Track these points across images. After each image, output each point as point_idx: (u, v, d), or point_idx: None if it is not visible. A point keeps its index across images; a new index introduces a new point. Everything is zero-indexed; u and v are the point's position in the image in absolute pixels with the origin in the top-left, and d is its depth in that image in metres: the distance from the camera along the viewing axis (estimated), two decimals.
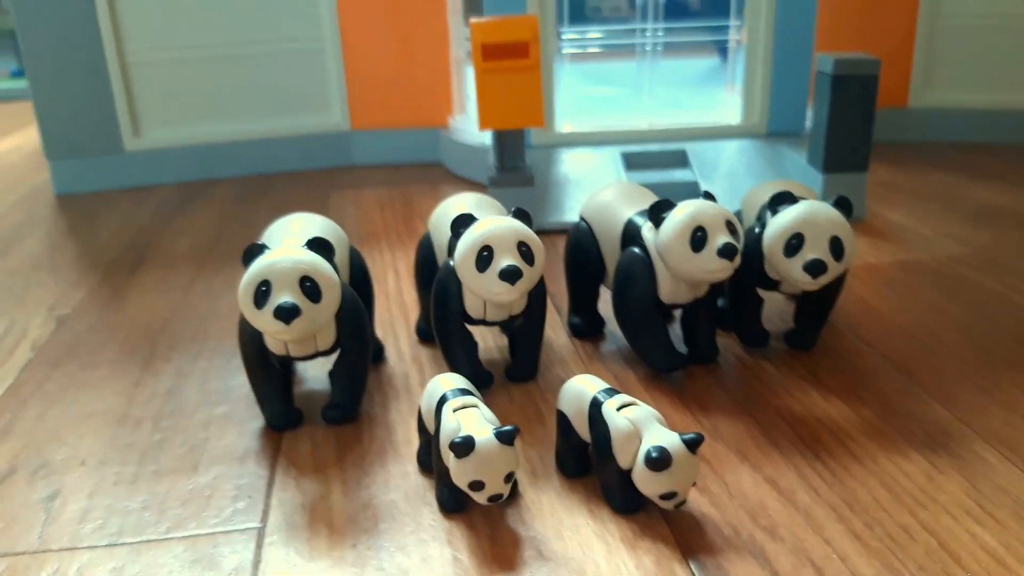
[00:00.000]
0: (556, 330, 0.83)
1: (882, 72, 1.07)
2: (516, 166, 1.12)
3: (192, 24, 1.42)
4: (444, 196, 1.35)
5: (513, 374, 0.73)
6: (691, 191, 1.17)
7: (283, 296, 0.60)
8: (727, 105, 1.40)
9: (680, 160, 1.26)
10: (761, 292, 0.76)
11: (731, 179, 1.20)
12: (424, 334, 0.82)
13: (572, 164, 1.26)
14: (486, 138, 1.35)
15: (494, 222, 0.67)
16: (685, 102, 1.43)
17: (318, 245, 0.64)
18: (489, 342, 0.81)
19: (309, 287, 0.61)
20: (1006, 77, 1.52)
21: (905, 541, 0.52)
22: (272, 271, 0.61)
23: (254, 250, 0.63)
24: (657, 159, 1.26)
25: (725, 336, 0.79)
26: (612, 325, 0.82)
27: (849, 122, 1.08)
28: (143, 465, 0.64)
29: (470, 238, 0.66)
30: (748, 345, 0.77)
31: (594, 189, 1.18)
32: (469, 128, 1.43)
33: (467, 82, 1.49)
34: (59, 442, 0.67)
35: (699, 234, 0.66)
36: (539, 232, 0.69)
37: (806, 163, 1.16)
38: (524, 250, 0.66)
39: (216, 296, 0.96)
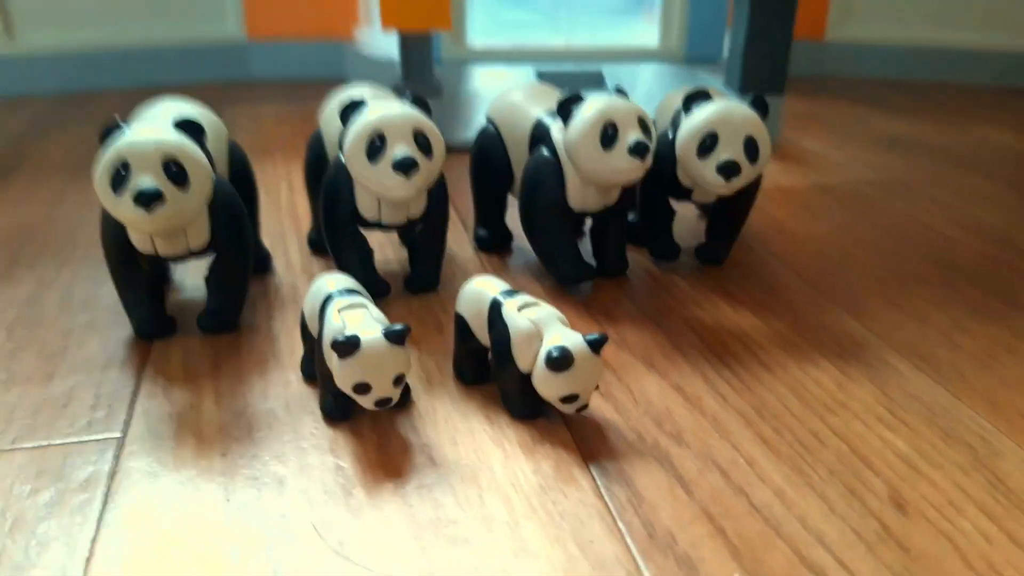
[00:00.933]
0: (461, 243, 0.78)
1: (800, 4, 1.05)
2: (423, 75, 1.06)
3: None
4: None
5: (412, 285, 0.68)
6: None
7: (144, 180, 0.53)
8: (645, 34, 1.36)
9: (596, 81, 1.21)
10: (673, 204, 0.73)
11: (647, 102, 1.17)
12: (316, 244, 0.76)
13: (484, 81, 1.20)
14: (395, 52, 1.27)
15: (387, 108, 0.61)
16: (603, 28, 1.38)
17: (186, 127, 0.57)
18: (388, 253, 0.76)
19: (175, 172, 0.54)
20: (922, 13, 1.53)
21: (815, 446, 0.50)
22: (132, 151, 0.54)
23: (112, 129, 0.56)
24: (572, 79, 1.21)
25: (635, 251, 0.76)
26: (520, 239, 0.78)
27: (767, 43, 1.05)
28: None
29: (361, 125, 0.60)
30: (658, 258, 0.74)
31: None
32: (377, 41, 1.35)
33: None
34: None
35: (609, 131, 0.62)
36: (448, 150, 0.64)
37: (722, 86, 1.13)
38: (421, 140, 0.60)
39: (90, 206, 0.87)
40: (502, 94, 0.75)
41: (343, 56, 1.41)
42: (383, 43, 1.32)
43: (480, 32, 1.28)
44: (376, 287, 0.65)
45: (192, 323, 0.63)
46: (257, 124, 1.18)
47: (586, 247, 0.76)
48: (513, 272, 0.73)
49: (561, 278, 0.69)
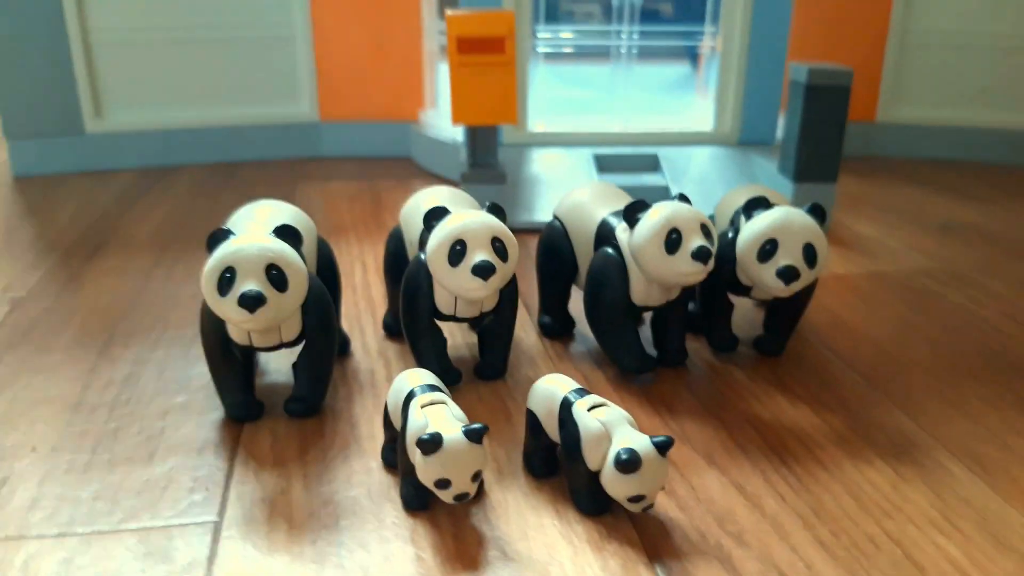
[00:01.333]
0: (526, 329, 0.82)
1: (853, 85, 1.08)
2: (488, 163, 1.11)
3: (160, 4, 1.39)
4: (414, 191, 1.34)
5: (482, 372, 0.72)
6: (662, 195, 1.17)
7: (248, 284, 0.58)
8: (698, 111, 1.40)
9: (652, 164, 1.26)
10: (732, 297, 0.76)
11: (702, 185, 1.21)
12: (391, 329, 0.80)
13: (544, 164, 1.25)
14: (457, 133, 1.34)
15: (468, 216, 0.66)
16: (657, 107, 1.43)
17: (286, 233, 0.62)
18: (457, 339, 0.80)
19: (275, 275, 0.59)
20: (973, 95, 1.55)
21: (871, 551, 0.52)
22: (237, 257, 0.59)
23: (219, 235, 0.61)
24: (629, 162, 1.26)
25: (694, 340, 0.79)
26: (582, 325, 0.82)
27: (821, 132, 1.09)
28: (96, 454, 0.61)
29: (443, 232, 0.65)
30: (717, 350, 0.77)
31: (566, 190, 1.18)
32: (440, 123, 1.42)
33: (439, 76, 1.48)
34: (10, 427, 0.65)
35: (673, 236, 0.66)
36: (510, 230, 0.68)
37: (777, 171, 1.17)
38: (498, 246, 0.65)
39: (177, 284, 0.93)
40: (568, 194, 0.79)
41: (408, 136, 1.48)
42: (446, 126, 1.38)
43: (539, 111, 1.33)
44: (449, 376, 0.70)
45: (278, 406, 0.67)
46: (329, 201, 1.25)
47: (646, 334, 0.79)
48: (576, 359, 0.76)
49: (624, 369, 0.72)
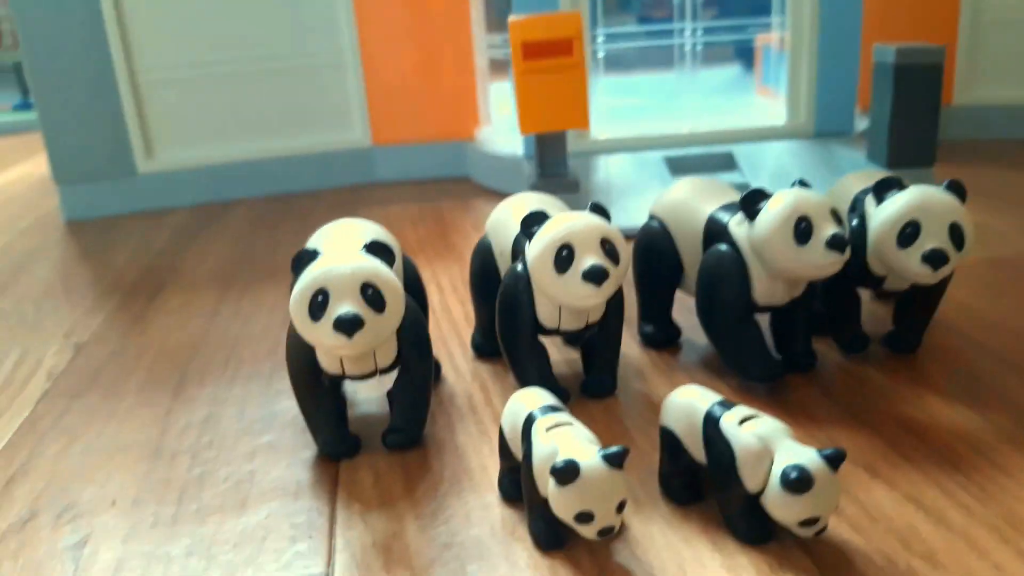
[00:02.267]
0: (626, 342, 0.75)
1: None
2: (559, 172, 1.05)
3: (205, 40, 1.36)
4: (476, 210, 1.30)
5: (591, 389, 0.66)
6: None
7: (343, 306, 0.52)
8: (764, 109, 1.33)
9: (727, 162, 1.19)
10: (859, 291, 0.69)
11: (783, 180, 1.13)
12: (481, 349, 0.74)
13: (613, 170, 1.19)
14: (517, 148, 1.28)
15: (572, 218, 0.59)
16: (722, 108, 1.37)
17: (377, 249, 0.57)
18: (555, 355, 0.73)
19: (372, 295, 0.53)
20: None
21: None
22: (329, 278, 0.53)
23: (304, 257, 0.56)
24: (703, 162, 1.19)
25: (817, 341, 0.71)
26: (688, 333, 0.75)
27: (914, 114, 1.01)
28: (183, 504, 0.56)
29: (547, 236, 0.59)
30: (848, 351, 0.70)
31: (640, 195, 1.12)
32: (497, 139, 1.36)
33: (492, 92, 1.43)
34: (85, 480, 0.59)
35: (803, 225, 0.59)
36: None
37: (865, 160, 1.09)
38: (608, 248, 0.58)
39: (246, 318, 0.88)
40: (665, 192, 0.73)
41: (464, 155, 1.43)
42: (503, 141, 1.33)
43: (601, 121, 1.28)
44: (557, 395, 0.63)
45: (375, 439, 0.61)
46: (392, 225, 1.19)
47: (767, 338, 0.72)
48: (689, 370, 0.69)
49: (750, 378, 0.65)
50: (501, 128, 1.39)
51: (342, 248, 0.57)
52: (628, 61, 1.40)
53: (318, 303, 0.53)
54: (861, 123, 1.28)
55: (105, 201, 1.35)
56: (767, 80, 1.38)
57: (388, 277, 0.55)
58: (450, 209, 1.26)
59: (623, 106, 1.40)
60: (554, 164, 1.04)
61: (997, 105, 1.49)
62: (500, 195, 1.31)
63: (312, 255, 0.56)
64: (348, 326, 0.52)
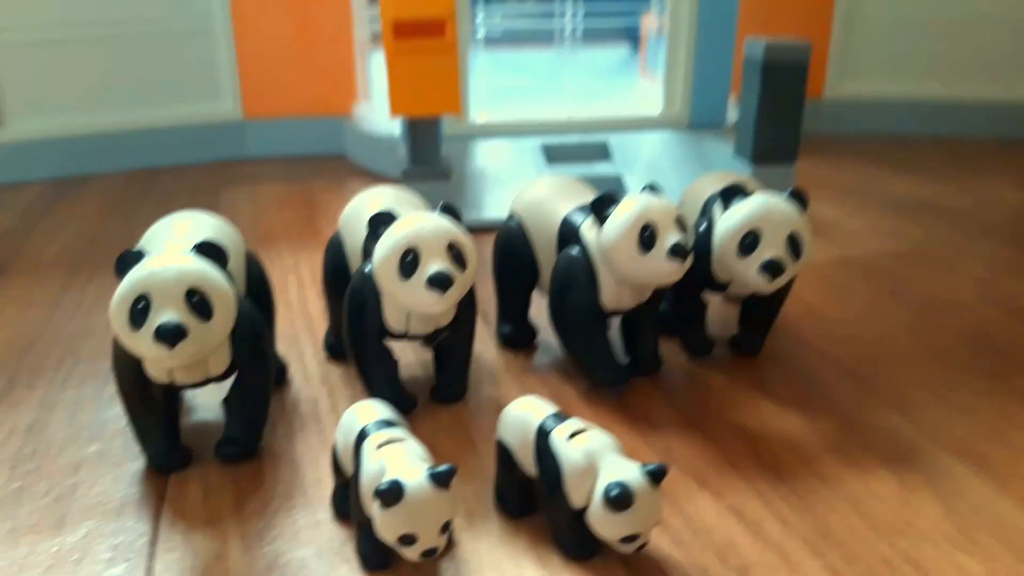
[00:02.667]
0: (484, 341, 0.75)
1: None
2: (431, 159, 1.03)
3: (65, 0, 1.27)
4: (350, 191, 1.26)
5: (440, 395, 0.65)
6: (615, 185, 1.11)
7: (165, 314, 0.50)
8: (644, 94, 1.35)
9: (602, 153, 1.20)
10: (705, 295, 0.70)
11: (655, 172, 1.15)
12: (333, 350, 0.72)
13: (489, 156, 1.18)
14: (395, 127, 1.25)
15: (419, 220, 0.58)
16: (603, 92, 1.37)
17: (208, 250, 0.54)
18: (409, 356, 0.72)
19: (197, 302, 0.51)
20: (920, 68, 1.53)
21: None
22: (151, 283, 0.50)
23: (129, 258, 0.53)
24: (578, 152, 1.20)
25: (664, 342, 0.73)
26: (545, 333, 0.75)
27: (780, 111, 1.04)
28: None
29: (391, 240, 0.57)
30: (694, 354, 0.71)
31: (515, 184, 1.11)
32: (375, 117, 1.33)
33: (372, 66, 1.39)
34: None
35: (647, 233, 0.59)
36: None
37: (732, 155, 1.12)
38: (455, 253, 0.57)
39: (88, 310, 0.83)
40: (525, 189, 0.72)
41: (342, 132, 1.39)
42: (382, 120, 1.30)
43: (481, 100, 1.26)
44: (403, 403, 0.62)
45: (209, 450, 0.59)
46: (258, 207, 1.15)
47: (614, 339, 0.72)
48: (542, 372, 0.70)
49: (597, 382, 0.66)
50: (380, 105, 1.35)
51: (170, 248, 0.55)
52: (511, 36, 1.38)
53: (139, 310, 0.50)
54: (735, 113, 1.30)
55: None
56: (652, 63, 1.39)
57: (216, 282, 0.52)
58: (322, 191, 1.22)
59: (503, 86, 1.39)
60: (426, 151, 1.03)
61: (868, 100, 1.55)
62: (377, 176, 1.29)
63: (137, 256, 0.53)
64: (170, 336, 0.49)
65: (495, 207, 1.06)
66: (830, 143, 1.47)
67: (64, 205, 1.18)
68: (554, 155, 1.18)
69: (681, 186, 1.07)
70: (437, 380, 0.66)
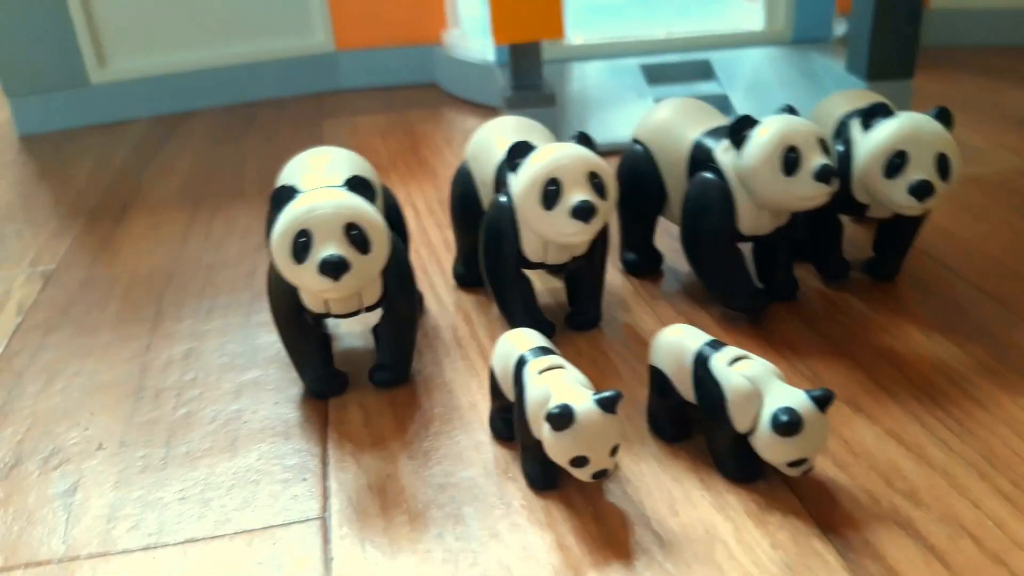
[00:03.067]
0: (608, 268, 0.75)
1: None
2: (534, 84, 1.02)
3: None
4: (446, 121, 1.26)
5: (576, 322, 0.66)
6: (721, 105, 1.08)
7: (328, 248, 0.51)
8: (745, 9, 1.30)
9: (704, 71, 1.16)
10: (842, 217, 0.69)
11: (761, 90, 1.12)
12: (463, 279, 0.73)
13: (588, 80, 1.16)
14: (487, 54, 1.24)
15: (558, 150, 0.58)
16: (701, 6, 1.33)
17: (359, 185, 0.55)
18: (537, 285, 0.73)
19: (356, 236, 0.52)
20: None
21: None
22: (312, 218, 0.51)
23: (283, 194, 0.54)
24: (680, 71, 1.17)
25: (798, 268, 0.72)
26: (670, 260, 0.75)
27: (895, 22, 0.99)
28: (172, 447, 0.55)
29: (533, 170, 0.57)
30: (828, 278, 0.70)
31: (617, 106, 1.09)
32: (466, 43, 1.32)
33: None
34: (70, 422, 0.59)
35: (791, 155, 0.58)
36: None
37: (844, 71, 1.07)
38: (596, 182, 0.57)
39: (219, 242, 0.86)
40: (649, 114, 0.71)
41: (433, 60, 1.38)
42: (474, 46, 1.28)
43: (574, 20, 1.23)
44: (541, 329, 0.62)
45: (362, 376, 0.61)
46: (360, 138, 1.16)
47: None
48: (672, 299, 0.70)
49: (735, 309, 0.65)
50: (470, 30, 1.33)
51: (321, 183, 0.56)
52: None
53: (301, 244, 0.51)
54: (840, 27, 1.25)
55: (58, 114, 1.28)
56: None
57: (373, 216, 0.53)
58: (420, 120, 1.22)
59: (597, 4, 1.35)
60: (528, 76, 1.01)
61: (978, 9, 1.46)
62: (470, 105, 1.28)
63: (291, 192, 0.54)
64: (334, 269, 0.50)
65: (600, 130, 1.04)
66: (942, 57, 1.40)
67: (171, 141, 1.20)
68: (655, 75, 1.15)
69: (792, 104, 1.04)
70: (572, 307, 0.66)
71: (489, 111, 1.21)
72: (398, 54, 1.39)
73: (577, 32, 1.24)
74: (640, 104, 1.08)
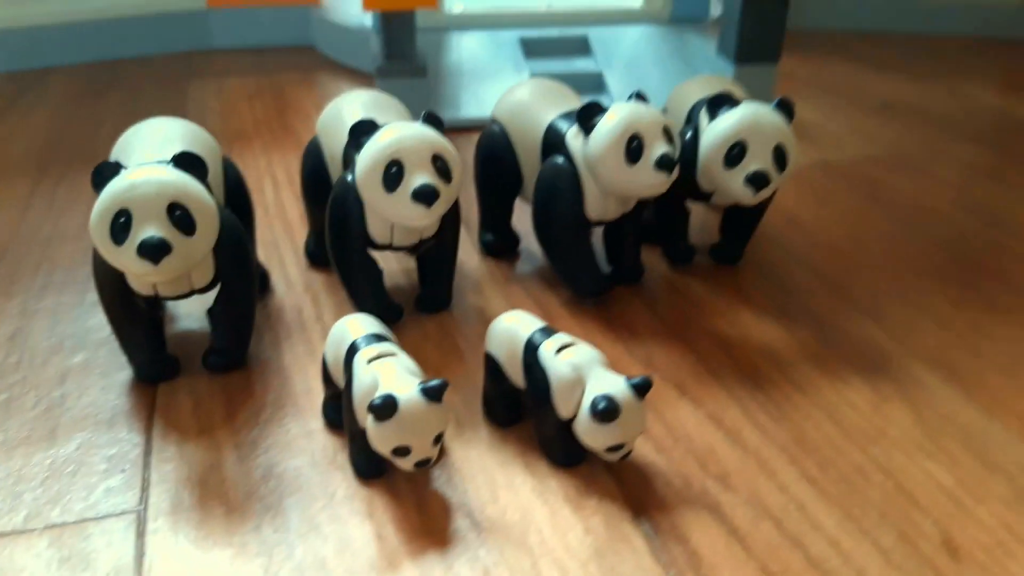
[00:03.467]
0: (466, 249, 0.75)
1: None
2: (405, 54, 1.00)
3: None
4: (320, 85, 1.23)
5: (425, 305, 0.65)
6: (595, 83, 1.09)
7: (148, 229, 0.49)
8: None
9: (582, 47, 1.17)
10: (688, 204, 0.71)
11: (636, 69, 1.13)
12: (314, 257, 0.72)
13: (465, 51, 1.14)
14: (366, 18, 1.21)
15: (402, 130, 0.57)
16: None
17: (187, 162, 0.53)
18: (392, 265, 0.72)
19: (180, 216, 0.50)
20: None
21: (861, 484, 0.49)
22: (132, 197, 0.49)
23: (105, 171, 0.51)
24: (558, 46, 1.16)
25: (646, 251, 0.73)
26: (527, 241, 0.75)
27: (763, 7, 1.01)
28: None
29: (375, 150, 0.56)
30: (675, 262, 0.72)
31: (493, 80, 1.09)
32: (345, 6, 1.28)
33: None
34: None
35: (634, 144, 0.59)
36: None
37: (714, 53, 1.09)
38: (440, 165, 0.56)
39: (61, 212, 0.81)
40: (508, 93, 0.71)
41: (309, 22, 1.34)
42: (353, 10, 1.25)
43: None
44: (389, 313, 0.62)
45: (195, 360, 0.59)
46: (226, 102, 1.12)
47: (598, 249, 0.73)
48: (525, 281, 0.70)
49: (580, 293, 0.66)
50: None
51: (148, 159, 0.53)
52: None
53: (120, 224, 0.49)
54: (717, 8, 1.27)
55: None
56: None
57: (198, 195, 0.51)
58: (291, 84, 1.18)
59: None
60: (400, 46, 0.99)
61: None
62: (347, 70, 1.25)
63: (114, 168, 0.51)
64: (153, 251, 0.48)
65: (473, 105, 1.03)
66: (811, 40, 1.44)
67: (25, 100, 1.13)
68: (533, 49, 1.15)
69: (663, 85, 1.06)
70: (421, 290, 0.66)
71: (366, 78, 1.19)
72: (273, 13, 1.34)
73: (457, 2, 1.22)
74: (516, 78, 1.08)
